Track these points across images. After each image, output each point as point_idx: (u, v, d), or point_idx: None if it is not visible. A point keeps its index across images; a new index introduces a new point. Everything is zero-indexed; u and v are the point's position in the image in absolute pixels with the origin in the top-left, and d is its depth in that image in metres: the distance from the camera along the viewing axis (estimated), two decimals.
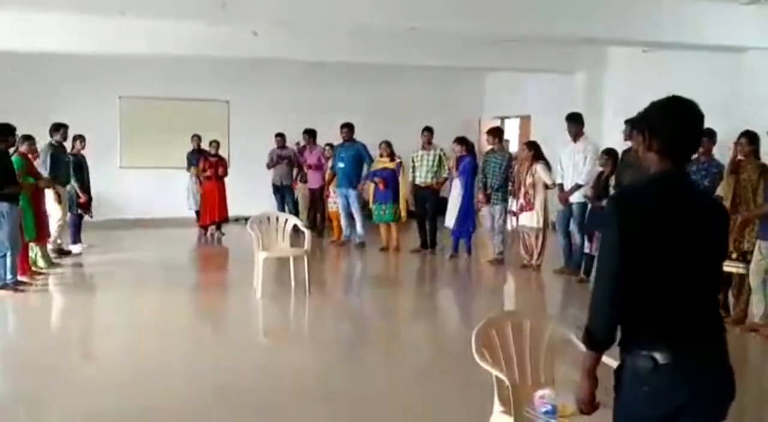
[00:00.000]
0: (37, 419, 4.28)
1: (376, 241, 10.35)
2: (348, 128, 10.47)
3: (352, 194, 10.39)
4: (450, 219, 9.65)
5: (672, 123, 2.28)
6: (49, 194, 8.61)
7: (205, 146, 11.73)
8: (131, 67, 11.93)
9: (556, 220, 8.83)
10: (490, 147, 9.46)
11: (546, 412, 3.05)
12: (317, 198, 11.70)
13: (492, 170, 9.15)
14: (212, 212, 11.38)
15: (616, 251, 2.20)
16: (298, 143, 12.20)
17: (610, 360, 2.39)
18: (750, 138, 6.08)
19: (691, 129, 2.31)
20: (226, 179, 11.50)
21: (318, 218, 11.86)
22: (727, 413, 2.33)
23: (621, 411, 2.33)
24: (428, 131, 9.94)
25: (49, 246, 9.03)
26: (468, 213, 9.52)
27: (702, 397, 2.25)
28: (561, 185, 8.45)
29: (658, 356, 2.20)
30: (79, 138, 9.79)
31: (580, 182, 8.18)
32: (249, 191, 12.08)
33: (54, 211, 8.86)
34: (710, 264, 2.32)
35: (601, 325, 2.25)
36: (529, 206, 8.74)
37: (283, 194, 12.11)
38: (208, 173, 11.36)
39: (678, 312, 2.23)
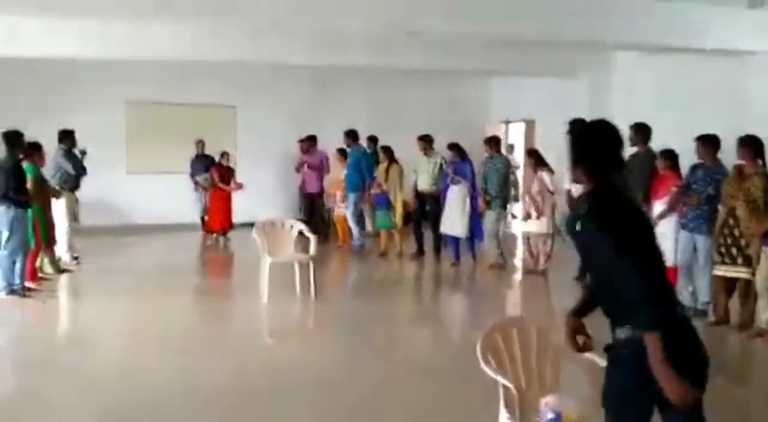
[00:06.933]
0: (40, 420, 4.30)
1: (379, 246, 10.38)
2: (347, 134, 10.51)
3: (350, 198, 10.47)
4: (446, 225, 9.55)
5: (598, 147, 2.64)
6: (61, 203, 8.66)
7: (209, 152, 11.79)
8: (138, 72, 11.92)
9: (563, 226, 8.78)
10: (487, 155, 9.49)
11: (550, 419, 3.06)
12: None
13: (491, 176, 9.20)
14: (221, 220, 11.41)
15: (634, 236, 2.41)
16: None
17: (599, 359, 2.49)
18: (746, 143, 5.98)
19: (611, 150, 2.63)
20: (231, 185, 11.54)
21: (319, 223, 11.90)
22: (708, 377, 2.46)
23: (611, 388, 2.49)
24: (421, 139, 9.96)
25: (64, 255, 9.03)
26: (476, 219, 9.52)
27: (688, 370, 2.36)
28: (569, 191, 8.41)
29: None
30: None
31: None
32: (255, 196, 12.10)
33: (61, 219, 8.87)
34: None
35: (659, 299, 2.34)
36: (538, 213, 8.74)
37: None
38: (218, 181, 11.36)
39: (662, 291, 2.41)
